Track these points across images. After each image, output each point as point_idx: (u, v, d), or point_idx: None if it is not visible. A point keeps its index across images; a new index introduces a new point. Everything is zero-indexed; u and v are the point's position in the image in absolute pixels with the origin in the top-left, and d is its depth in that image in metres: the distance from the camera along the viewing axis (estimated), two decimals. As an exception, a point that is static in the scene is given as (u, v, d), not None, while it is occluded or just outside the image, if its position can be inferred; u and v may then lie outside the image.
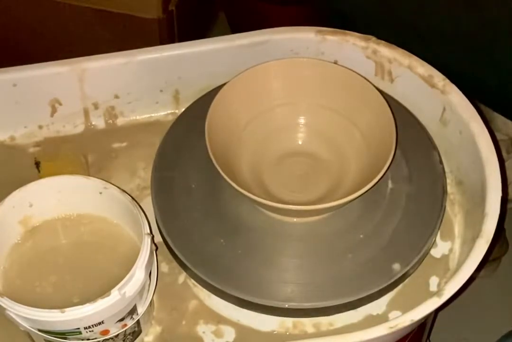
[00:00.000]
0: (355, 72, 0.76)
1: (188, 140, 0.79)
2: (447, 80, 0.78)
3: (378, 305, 0.74)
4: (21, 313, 0.62)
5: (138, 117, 0.87)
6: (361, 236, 0.74)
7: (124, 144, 0.85)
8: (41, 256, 0.69)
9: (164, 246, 0.75)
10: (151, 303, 0.71)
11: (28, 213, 0.70)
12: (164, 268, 0.76)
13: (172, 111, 0.87)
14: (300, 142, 0.80)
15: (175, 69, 0.83)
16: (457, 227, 0.79)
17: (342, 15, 0.92)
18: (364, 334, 0.65)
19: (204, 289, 0.74)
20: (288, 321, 0.73)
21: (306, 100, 0.78)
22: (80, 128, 0.86)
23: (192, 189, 0.76)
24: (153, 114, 0.87)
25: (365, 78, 0.76)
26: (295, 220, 0.75)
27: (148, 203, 0.77)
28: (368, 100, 0.75)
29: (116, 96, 0.84)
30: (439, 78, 0.78)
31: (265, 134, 0.78)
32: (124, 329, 0.67)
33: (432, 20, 0.86)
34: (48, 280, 0.68)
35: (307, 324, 0.73)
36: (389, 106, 0.73)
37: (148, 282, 0.68)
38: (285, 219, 0.75)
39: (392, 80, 0.82)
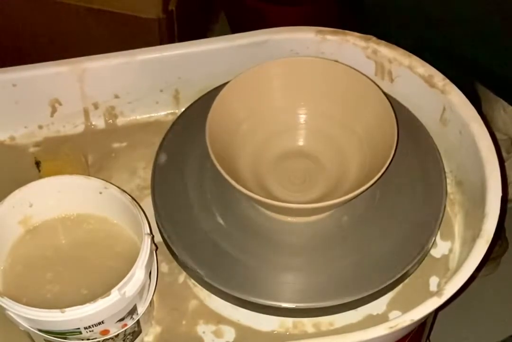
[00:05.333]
0: (356, 70, 0.76)
1: (188, 140, 0.78)
2: (447, 80, 0.78)
3: (378, 305, 0.74)
4: (21, 313, 0.62)
5: (138, 117, 0.87)
6: (361, 235, 0.74)
7: (124, 144, 0.85)
8: (41, 256, 0.69)
9: (164, 246, 0.75)
10: (151, 303, 0.71)
11: (28, 213, 0.70)
12: (164, 268, 0.76)
13: (172, 111, 0.87)
14: (300, 142, 0.80)
15: (175, 69, 0.83)
16: (457, 227, 0.79)
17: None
18: (364, 334, 0.65)
19: (204, 289, 0.74)
20: (288, 321, 0.73)
21: (307, 100, 0.78)
22: (80, 128, 0.86)
23: (192, 188, 0.76)
24: (153, 114, 0.87)
25: (366, 76, 0.75)
26: (295, 219, 0.75)
27: (148, 203, 0.77)
28: (369, 98, 0.75)
29: (116, 96, 0.84)
30: (439, 78, 0.78)
31: (266, 134, 0.78)
32: (124, 329, 0.67)
33: (448, 7, 0.85)
34: (48, 280, 0.68)
35: (307, 324, 0.73)
36: (391, 104, 0.73)
37: (148, 282, 0.68)
38: (285, 219, 0.75)
39: (392, 80, 0.82)
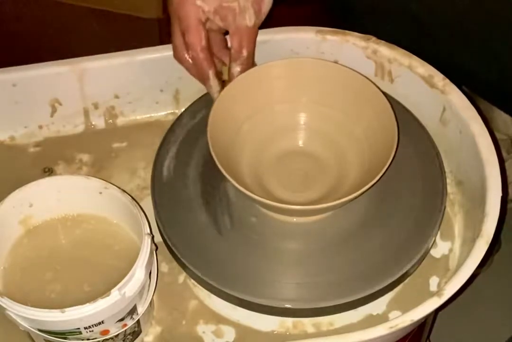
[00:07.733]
0: (356, 71, 0.76)
1: (188, 140, 0.79)
2: (447, 80, 0.78)
3: (378, 305, 0.74)
4: (21, 313, 0.62)
5: (138, 117, 0.87)
6: (361, 236, 0.74)
7: (124, 144, 0.85)
8: (41, 256, 0.69)
9: (164, 246, 0.75)
10: (151, 303, 0.71)
11: (28, 213, 0.70)
12: (164, 268, 0.76)
13: (172, 111, 0.87)
14: (300, 142, 0.80)
15: (175, 69, 0.83)
16: (457, 227, 0.79)
17: (344, 5, 0.91)
18: (364, 334, 0.65)
19: (204, 289, 0.74)
20: (288, 321, 0.73)
21: (307, 100, 0.78)
22: (80, 128, 0.86)
23: (192, 188, 0.76)
24: (153, 114, 0.87)
25: (366, 77, 0.75)
26: (295, 219, 0.75)
27: (148, 203, 0.77)
28: (369, 99, 0.75)
29: (116, 96, 0.84)
30: (439, 78, 0.78)
31: (266, 134, 0.78)
32: (124, 329, 0.67)
33: (433, 11, 0.85)
34: (48, 280, 0.68)
35: (307, 324, 0.73)
36: (391, 105, 0.73)
37: (148, 282, 0.68)
38: (285, 219, 0.75)
39: (392, 80, 0.82)
